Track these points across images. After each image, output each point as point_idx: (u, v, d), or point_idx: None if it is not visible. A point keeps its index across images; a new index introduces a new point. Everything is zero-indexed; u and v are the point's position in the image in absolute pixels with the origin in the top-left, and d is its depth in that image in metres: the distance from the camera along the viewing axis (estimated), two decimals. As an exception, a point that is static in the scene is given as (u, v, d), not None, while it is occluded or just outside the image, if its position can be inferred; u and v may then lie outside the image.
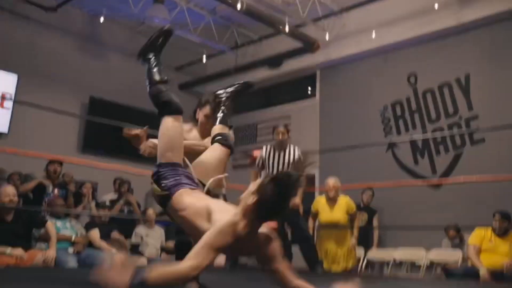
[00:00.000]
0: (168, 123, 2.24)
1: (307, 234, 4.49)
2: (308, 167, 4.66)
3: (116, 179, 6.23)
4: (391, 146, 7.07)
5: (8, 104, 7.11)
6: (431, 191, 6.52)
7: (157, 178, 2.10)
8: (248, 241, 1.83)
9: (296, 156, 4.59)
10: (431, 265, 5.65)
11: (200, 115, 2.99)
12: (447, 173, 6.53)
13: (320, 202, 5.29)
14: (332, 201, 5.18)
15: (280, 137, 4.57)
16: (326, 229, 5.13)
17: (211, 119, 2.94)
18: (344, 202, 5.18)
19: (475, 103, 6.53)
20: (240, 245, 1.82)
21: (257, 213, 1.81)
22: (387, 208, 6.63)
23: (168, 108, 2.29)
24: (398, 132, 7.19)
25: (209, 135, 2.82)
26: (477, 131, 6.22)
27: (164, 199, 2.04)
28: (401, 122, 7.22)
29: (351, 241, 5.08)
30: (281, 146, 4.61)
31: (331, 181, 5.16)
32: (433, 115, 6.92)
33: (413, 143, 6.89)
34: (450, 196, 6.25)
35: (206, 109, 2.99)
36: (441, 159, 6.68)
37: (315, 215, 5.27)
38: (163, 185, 2.06)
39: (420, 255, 5.78)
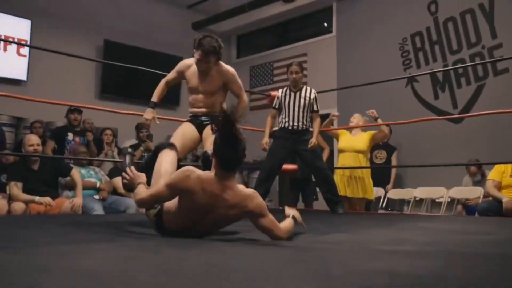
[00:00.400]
0: (163, 154, 2.59)
1: (327, 174, 4.52)
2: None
3: (138, 124, 6.28)
4: (411, 80, 6.93)
5: (25, 51, 7.11)
6: (452, 126, 6.41)
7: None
8: (220, 192, 2.08)
9: (312, 98, 4.50)
10: (452, 202, 5.66)
11: (195, 54, 3.17)
12: (468, 107, 6.41)
13: (344, 132, 5.40)
14: (354, 132, 5.30)
15: (294, 76, 4.49)
16: (344, 155, 5.18)
17: (203, 62, 3.14)
18: (366, 133, 5.26)
19: (500, 30, 6.27)
20: (211, 197, 2.08)
21: (218, 165, 2.10)
22: (407, 145, 6.60)
23: (162, 146, 2.62)
24: (418, 66, 7.01)
25: (205, 72, 3.21)
26: (501, 61, 6.01)
27: (158, 215, 2.26)
28: (420, 55, 7.01)
29: (369, 179, 5.13)
30: (295, 86, 4.52)
31: (356, 115, 5.33)
32: (454, 45, 6.69)
33: (433, 77, 6.73)
34: (472, 131, 6.15)
35: (198, 53, 3.12)
36: (462, 93, 6.54)
37: (335, 136, 5.41)
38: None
39: (441, 193, 5.79)
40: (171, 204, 2.22)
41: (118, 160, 5.33)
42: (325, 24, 8.46)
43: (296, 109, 4.48)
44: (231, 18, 8.87)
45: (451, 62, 6.66)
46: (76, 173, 4.46)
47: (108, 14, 8.07)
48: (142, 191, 2.28)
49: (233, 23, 9.16)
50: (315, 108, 4.56)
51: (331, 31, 8.23)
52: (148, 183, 2.47)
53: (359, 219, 3.84)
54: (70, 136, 5.54)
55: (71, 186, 4.50)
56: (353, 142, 5.20)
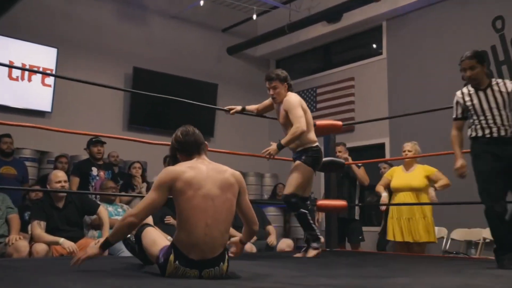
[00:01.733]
0: (148, 230, 2.81)
1: None
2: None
3: (166, 157, 6.34)
4: (474, 106, 6.75)
5: (49, 81, 7.37)
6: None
7: (162, 265, 2.50)
8: (204, 164, 2.52)
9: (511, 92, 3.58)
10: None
11: None
12: (543, 134, 6.17)
13: (395, 169, 5.32)
14: (408, 166, 5.17)
15: (468, 74, 3.62)
16: (399, 195, 5.06)
17: (270, 90, 4.09)
18: (422, 168, 5.11)
19: None
20: (200, 169, 2.47)
21: (185, 156, 2.60)
22: (472, 180, 6.36)
23: (141, 228, 2.83)
24: (482, 89, 6.85)
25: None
26: None
27: (175, 250, 2.44)
28: (485, 77, 6.86)
29: (432, 219, 4.96)
30: (478, 84, 3.64)
31: (408, 145, 5.17)
32: (525, 66, 6.53)
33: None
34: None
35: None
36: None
37: (388, 183, 5.27)
38: (167, 258, 2.45)
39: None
40: (176, 234, 2.46)
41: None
42: (374, 45, 8.44)
43: (494, 108, 3.56)
44: (270, 41, 8.98)
45: (521, 84, 6.47)
46: (104, 211, 4.50)
47: (137, 40, 8.34)
48: (126, 216, 2.48)
49: (272, 46, 9.27)
50: None
51: (380, 53, 8.21)
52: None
53: (418, 263, 3.69)
54: (94, 171, 5.59)
55: (97, 225, 4.54)
56: (407, 179, 5.07)
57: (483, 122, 3.56)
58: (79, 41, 7.72)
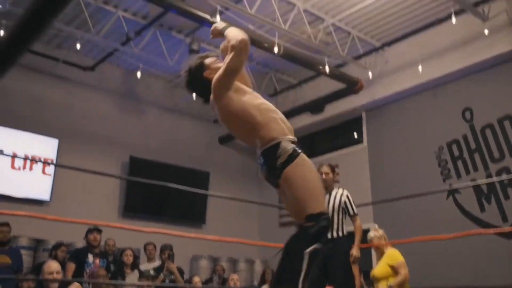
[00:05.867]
0: None
1: None
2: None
3: (163, 247, 6.16)
4: (452, 192, 6.81)
5: (50, 170, 7.37)
6: (504, 242, 6.13)
7: None
8: None
9: (343, 200, 4.48)
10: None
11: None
12: (520, 219, 6.17)
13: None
14: (379, 254, 4.98)
15: (324, 177, 4.45)
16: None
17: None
18: (388, 254, 4.83)
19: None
20: None
21: None
22: (453, 263, 6.30)
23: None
24: (458, 176, 6.92)
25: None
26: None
27: None
28: (460, 164, 6.97)
29: None
30: (325, 188, 4.45)
31: (371, 234, 5.05)
32: (495, 153, 6.65)
33: (476, 188, 6.61)
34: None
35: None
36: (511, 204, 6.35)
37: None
38: None
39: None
40: None
41: (138, 283, 5.22)
42: (355, 135, 8.62)
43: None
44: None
45: (495, 171, 6.56)
46: (95, 299, 4.36)
47: (134, 130, 8.45)
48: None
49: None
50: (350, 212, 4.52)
51: (361, 142, 8.35)
52: None
53: None
54: (90, 258, 5.48)
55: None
56: (374, 271, 4.89)
57: None
58: (78, 132, 7.80)
